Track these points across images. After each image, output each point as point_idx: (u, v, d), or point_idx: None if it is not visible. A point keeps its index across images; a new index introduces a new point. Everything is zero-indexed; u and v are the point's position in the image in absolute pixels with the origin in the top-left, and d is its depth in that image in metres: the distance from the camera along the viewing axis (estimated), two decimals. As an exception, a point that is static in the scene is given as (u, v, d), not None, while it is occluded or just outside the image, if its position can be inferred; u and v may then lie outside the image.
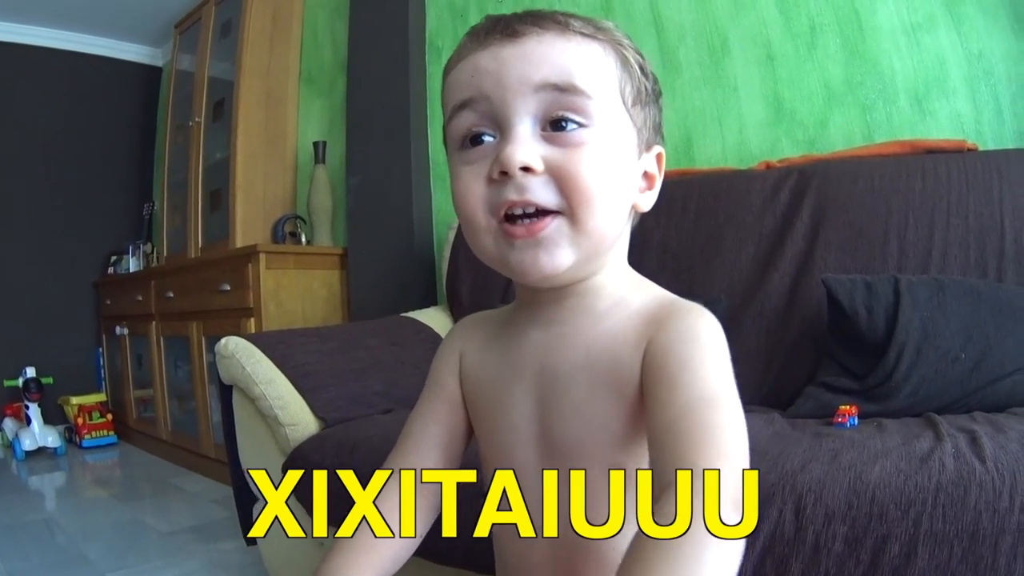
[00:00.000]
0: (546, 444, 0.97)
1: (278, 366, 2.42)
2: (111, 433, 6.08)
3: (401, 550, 1.03)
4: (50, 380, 5.95)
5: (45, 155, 6.50)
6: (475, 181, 0.89)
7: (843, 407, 1.90)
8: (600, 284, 0.96)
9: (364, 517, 1.02)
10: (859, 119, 2.84)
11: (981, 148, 2.52)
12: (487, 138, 0.89)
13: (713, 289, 2.61)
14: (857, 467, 1.33)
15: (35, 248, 6.44)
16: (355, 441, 2.05)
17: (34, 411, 5.69)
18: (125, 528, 3.74)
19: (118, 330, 6.05)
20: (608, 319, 0.95)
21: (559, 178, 0.85)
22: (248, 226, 4.79)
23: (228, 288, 4.31)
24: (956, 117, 2.65)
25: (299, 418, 2.35)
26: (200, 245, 5.24)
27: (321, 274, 4.42)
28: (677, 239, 2.75)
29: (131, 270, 6.19)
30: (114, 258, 6.55)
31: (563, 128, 0.86)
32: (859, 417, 1.88)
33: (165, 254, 5.85)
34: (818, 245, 2.48)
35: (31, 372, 5.82)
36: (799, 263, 2.50)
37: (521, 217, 0.86)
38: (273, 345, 2.52)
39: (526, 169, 0.85)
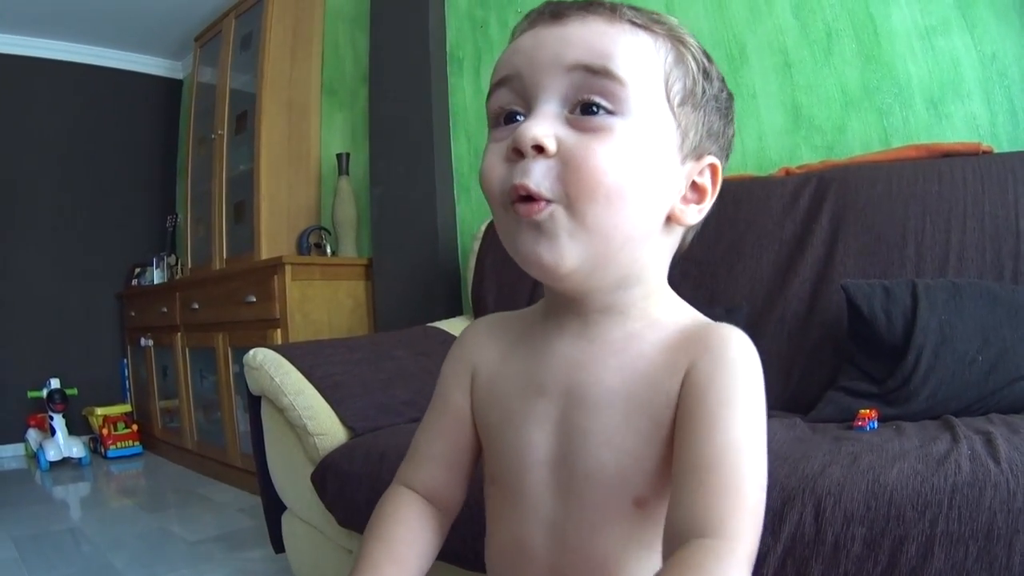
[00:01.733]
0: (565, 471, 0.93)
1: (307, 377, 2.44)
2: (136, 443, 6.12)
3: (423, 564, 1.02)
4: (74, 391, 5.98)
5: (67, 168, 6.57)
6: (496, 159, 0.87)
7: (863, 411, 1.90)
8: (632, 300, 0.93)
9: (386, 533, 1.02)
10: (876, 124, 2.85)
11: (996, 150, 2.51)
12: (519, 117, 0.87)
13: (735, 296, 2.63)
14: (875, 470, 1.35)
15: (59, 261, 6.50)
16: (383, 450, 2.07)
17: (58, 422, 5.73)
18: (151, 537, 3.76)
19: (143, 341, 6.08)
20: (644, 341, 0.92)
21: (564, 163, 0.82)
22: (273, 238, 4.83)
23: (254, 299, 4.34)
24: (971, 119, 2.65)
25: (328, 428, 2.36)
26: (225, 257, 5.28)
27: (347, 285, 4.45)
28: (699, 247, 2.69)
29: (155, 282, 6.23)
30: (138, 270, 6.58)
31: (591, 112, 0.83)
32: (879, 420, 1.89)
33: (190, 266, 5.88)
34: (837, 250, 2.49)
35: (55, 383, 5.85)
36: (819, 268, 2.51)
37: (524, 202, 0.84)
38: (301, 356, 2.55)
39: (539, 149, 0.82)
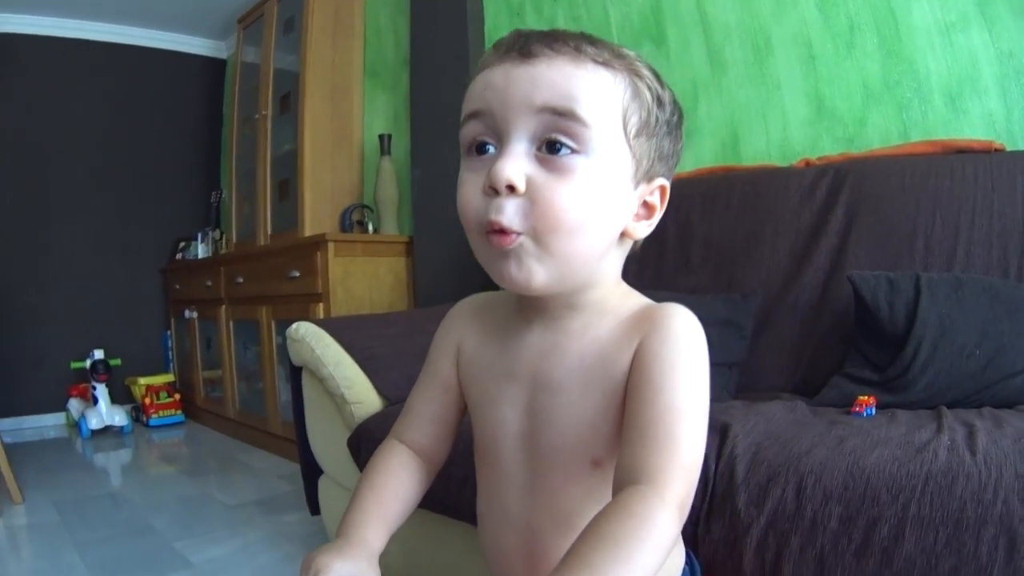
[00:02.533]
0: (532, 443, 1.09)
1: (345, 349, 2.56)
2: (178, 412, 6.23)
3: (405, 510, 1.18)
4: (118, 362, 6.11)
5: (114, 146, 6.68)
6: (473, 191, 0.97)
7: (862, 397, 1.99)
8: (591, 298, 1.06)
9: (374, 482, 1.17)
10: (896, 117, 2.91)
11: (1010, 148, 2.57)
12: (490, 148, 0.97)
13: (752, 281, 2.72)
14: (857, 453, 1.44)
15: (104, 235, 6.63)
16: None
17: (101, 391, 5.84)
18: (191, 501, 3.87)
19: (187, 313, 6.19)
20: (599, 327, 1.05)
21: (532, 201, 0.93)
22: (316, 215, 4.93)
23: (297, 274, 4.45)
24: (988, 116, 2.70)
25: (364, 397, 2.48)
26: (269, 233, 5.36)
27: (387, 261, 4.57)
28: (719, 233, 2.85)
29: (199, 256, 6.32)
30: (182, 244, 6.69)
31: (556, 151, 0.93)
32: (877, 407, 1.97)
33: (234, 241, 5.97)
34: (850, 241, 2.57)
35: (99, 354, 5.95)
36: (832, 258, 2.59)
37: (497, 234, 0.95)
38: (341, 330, 2.66)
39: (511, 188, 0.93)
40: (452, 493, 1.88)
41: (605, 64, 0.97)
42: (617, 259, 1.09)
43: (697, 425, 0.95)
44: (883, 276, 2.26)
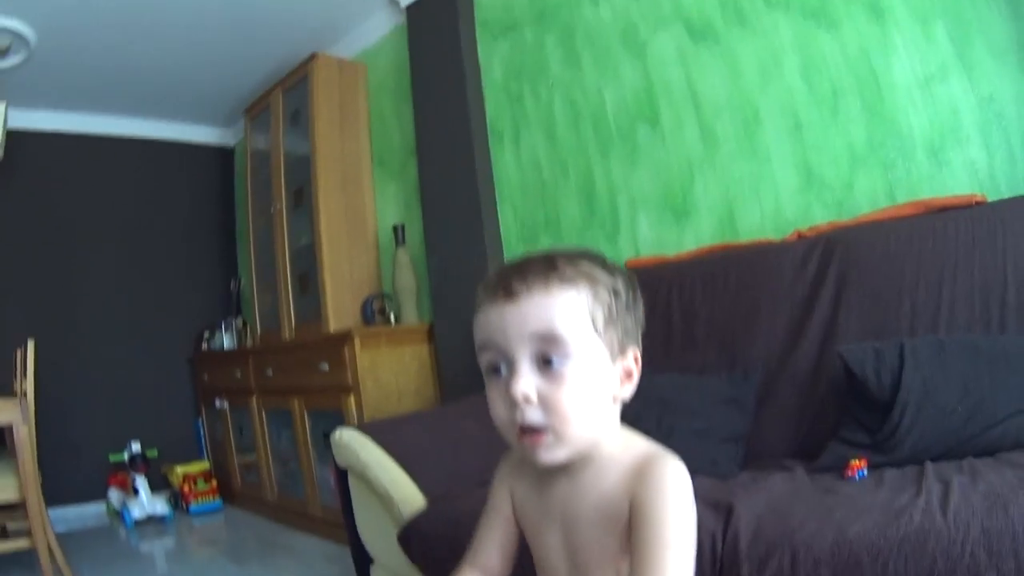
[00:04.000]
0: (572, 562, 1.33)
1: (387, 451, 2.78)
2: (217, 498, 6.30)
3: None
4: (155, 453, 6.19)
5: (129, 239, 6.83)
6: (500, 404, 1.25)
7: (854, 461, 2.18)
8: (598, 452, 1.30)
9: None
10: (881, 178, 3.05)
11: (992, 195, 2.70)
12: (502, 368, 1.25)
13: (753, 355, 2.91)
14: (844, 523, 1.66)
15: (130, 328, 6.73)
16: (458, 514, 2.34)
17: (141, 483, 5.91)
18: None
19: (218, 403, 6.32)
20: (607, 477, 1.29)
21: (546, 407, 1.20)
22: (339, 306, 5.11)
23: (327, 368, 4.61)
24: (970, 165, 2.82)
25: (408, 495, 2.66)
26: (294, 324, 5.53)
27: (411, 349, 4.73)
28: (720, 312, 3.03)
29: (225, 345, 6.46)
30: (207, 333, 6.79)
31: (551, 364, 1.21)
32: (869, 467, 2.17)
33: (259, 331, 6.11)
34: (841, 310, 2.74)
35: (136, 447, 6.04)
36: (825, 328, 2.77)
37: (528, 432, 1.22)
38: (381, 432, 2.88)
39: (526, 399, 1.20)
40: None
41: (569, 282, 1.25)
42: (614, 419, 1.34)
43: (682, 552, 1.18)
44: (870, 348, 2.42)
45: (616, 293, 1.30)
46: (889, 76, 3.01)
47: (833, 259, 2.84)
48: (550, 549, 1.37)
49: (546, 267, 1.26)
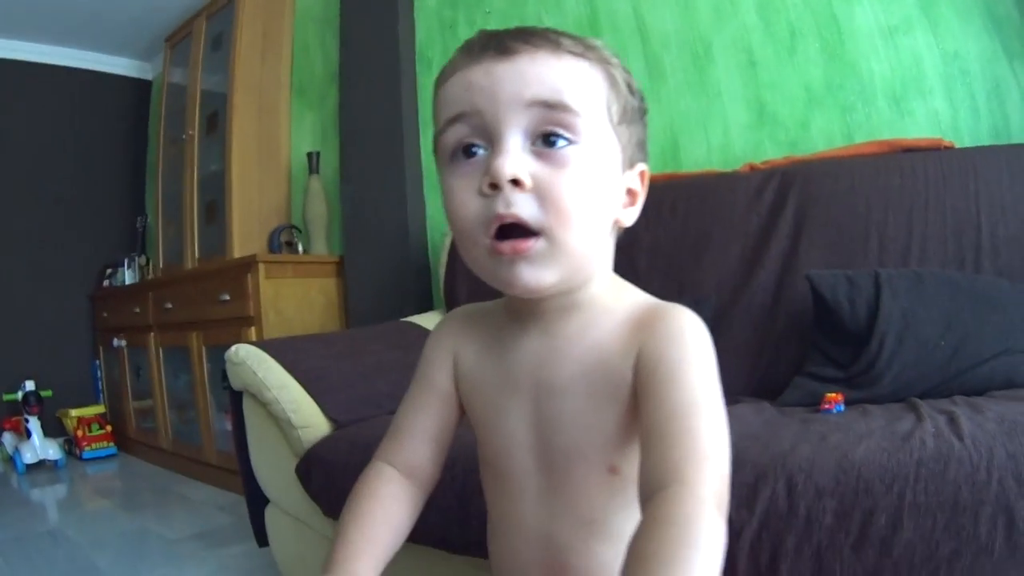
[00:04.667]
0: (543, 451, 1.05)
1: (289, 371, 2.47)
2: (111, 444, 6.09)
3: (396, 540, 1.10)
4: (49, 393, 5.97)
5: (35, 170, 6.54)
6: (469, 195, 0.94)
7: (829, 395, 1.97)
8: (587, 296, 1.03)
9: (360, 511, 1.10)
10: (839, 120, 2.91)
11: (957, 146, 2.57)
12: (478, 150, 0.95)
13: (703, 288, 2.68)
14: (843, 447, 1.42)
15: (29, 263, 6.47)
16: (368, 440, 2.09)
17: (34, 424, 5.69)
18: (131, 537, 3.77)
19: (116, 342, 6.07)
20: (597, 329, 1.02)
21: (543, 196, 0.91)
22: (245, 237, 4.86)
23: (228, 298, 4.36)
24: (933, 116, 2.72)
25: (311, 420, 2.40)
26: (197, 256, 5.29)
27: (318, 282, 4.48)
28: (666, 240, 2.82)
29: (127, 282, 6.22)
30: (109, 271, 6.57)
31: (552, 144, 0.91)
32: (846, 404, 1.96)
33: (161, 266, 5.88)
34: (802, 243, 2.55)
35: (30, 386, 5.84)
36: (784, 261, 2.57)
37: (509, 235, 0.92)
38: (283, 351, 2.57)
39: (515, 182, 0.90)
40: (452, 527, 1.81)
41: (581, 55, 0.96)
42: (609, 250, 1.07)
43: (715, 416, 0.90)
44: (841, 274, 2.26)
45: (632, 91, 1.02)
46: (851, 22, 2.91)
47: (792, 190, 2.66)
48: (512, 436, 1.08)
49: (555, 32, 0.96)
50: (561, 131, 0.91)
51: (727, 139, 3.21)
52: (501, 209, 0.90)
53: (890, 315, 2.08)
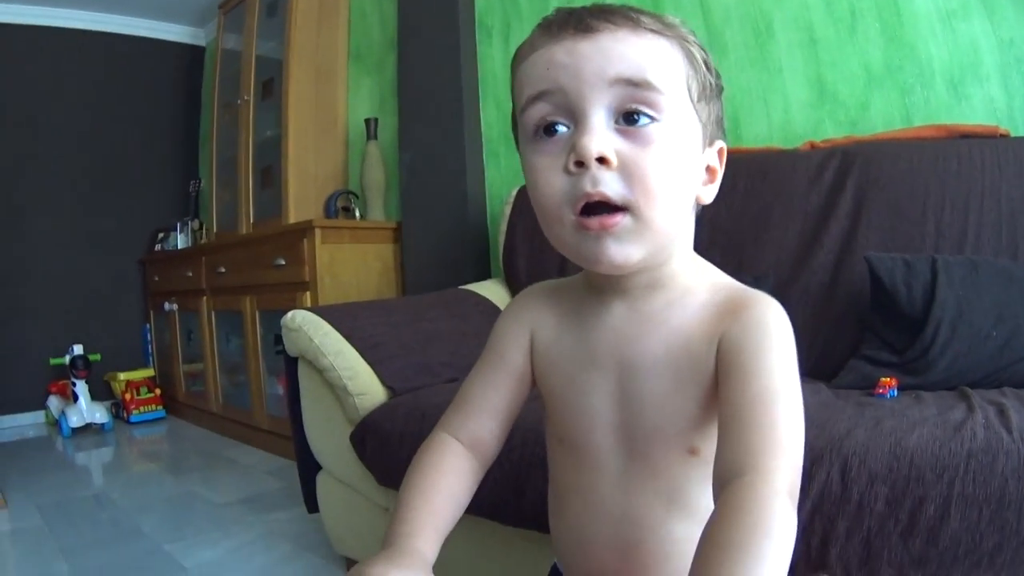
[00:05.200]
0: (626, 430, 1.04)
1: (346, 338, 2.50)
2: (159, 408, 6.17)
3: (456, 513, 1.08)
4: (97, 357, 6.07)
5: (89, 136, 6.62)
6: (553, 173, 0.93)
7: (884, 379, 1.97)
8: (669, 273, 1.03)
9: (424, 484, 1.08)
10: (898, 102, 2.88)
11: (1013, 134, 2.55)
12: (561, 128, 0.94)
13: (761, 265, 2.67)
14: (897, 434, 1.42)
15: (81, 228, 6.56)
16: (424, 409, 2.12)
17: (81, 388, 5.78)
18: (177, 500, 3.81)
19: (167, 306, 6.14)
20: (681, 309, 1.02)
21: (628, 174, 0.90)
22: (301, 202, 4.86)
23: (283, 263, 4.38)
24: (989, 102, 2.68)
25: (368, 388, 2.42)
26: (252, 221, 5.31)
27: (375, 248, 4.49)
28: (727, 216, 2.80)
29: (179, 247, 6.26)
30: (161, 235, 6.63)
31: (635, 121, 0.91)
32: (898, 389, 1.95)
33: (215, 230, 5.90)
34: (860, 224, 2.53)
35: (78, 349, 5.90)
36: (843, 241, 2.55)
37: (595, 212, 0.91)
38: (340, 318, 2.60)
39: (601, 160, 0.89)
40: (508, 500, 1.84)
41: (660, 33, 0.95)
42: (691, 228, 1.07)
43: (794, 407, 0.90)
44: (899, 258, 2.24)
45: (710, 68, 1.01)
46: (910, 4, 2.84)
47: (852, 171, 2.63)
48: (593, 414, 1.07)
49: (631, 10, 0.95)
50: (645, 108, 0.91)
51: (787, 116, 3.18)
52: (588, 187, 0.90)
53: (945, 302, 2.07)
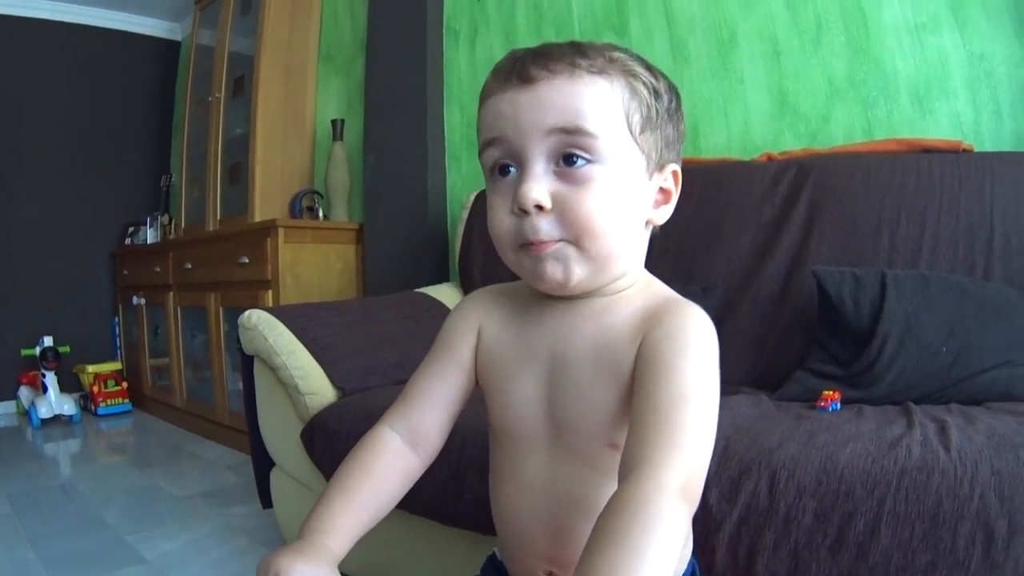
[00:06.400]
0: (553, 419, 1.09)
1: (299, 338, 2.52)
2: (126, 401, 6.16)
3: (380, 511, 1.11)
4: (67, 349, 6.06)
5: (62, 128, 6.57)
6: (504, 212, 1.02)
7: (826, 392, 1.98)
8: (616, 286, 1.08)
9: (349, 481, 1.10)
10: (860, 115, 2.89)
11: (977, 149, 2.56)
12: (511, 169, 1.02)
13: (712, 275, 2.69)
14: (829, 448, 1.43)
15: (53, 219, 6.52)
16: (371, 409, 2.14)
17: (51, 379, 5.77)
18: (141, 493, 3.82)
19: (135, 300, 6.11)
20: (615, 312, 1.07)
21: (562, 215, 0.98)
22: (266, 200, 4.86)
23: (247, 261, 4.38)
24: (955, 117, 2.69)
25: (318, 387, 2.45)
26: (219, 218, 5.29)
27: (337, 248, 4.50)
28: (679, 225, 2.73)
29: (148, 241, 6.25)
30: (131, 229, 6.59)
31: (573, 163, 0.98)
32: (842, 403, 1.96)
33: (183, 226, 5.89)
34: (813, 236, 2.55)
35: (48, 341, 5.90)
36: (794, 253, 2.57)
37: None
38: (294, 318, 2.62)
39: (539, 207, 0.97)
40: (447, 501, 1.86)
41: (600, 73, 1.00)
42: (642, 246, 1.12)
43: (703, 412, 0.94)
44: (848, 272, 2.26)
45: (657, 94, 1.05)
46: (878, 17, 2.87)
47: (807, 183, 2.66)
48: (526, 402, 1.12)
49: (573, 51, 1.01)
50: (580, 152, 0.98)
51: (747, 127, 3.19)
52: (529, 235, 1.00)
53: (893, 316, 2.08)
